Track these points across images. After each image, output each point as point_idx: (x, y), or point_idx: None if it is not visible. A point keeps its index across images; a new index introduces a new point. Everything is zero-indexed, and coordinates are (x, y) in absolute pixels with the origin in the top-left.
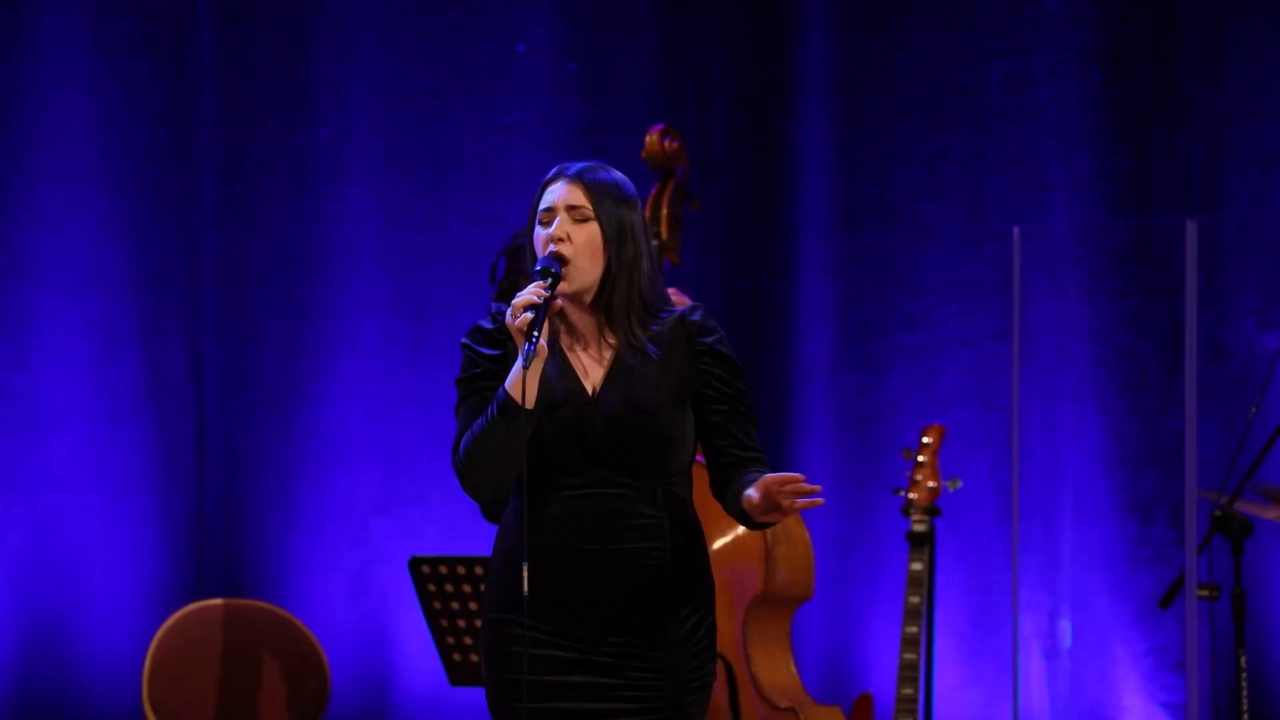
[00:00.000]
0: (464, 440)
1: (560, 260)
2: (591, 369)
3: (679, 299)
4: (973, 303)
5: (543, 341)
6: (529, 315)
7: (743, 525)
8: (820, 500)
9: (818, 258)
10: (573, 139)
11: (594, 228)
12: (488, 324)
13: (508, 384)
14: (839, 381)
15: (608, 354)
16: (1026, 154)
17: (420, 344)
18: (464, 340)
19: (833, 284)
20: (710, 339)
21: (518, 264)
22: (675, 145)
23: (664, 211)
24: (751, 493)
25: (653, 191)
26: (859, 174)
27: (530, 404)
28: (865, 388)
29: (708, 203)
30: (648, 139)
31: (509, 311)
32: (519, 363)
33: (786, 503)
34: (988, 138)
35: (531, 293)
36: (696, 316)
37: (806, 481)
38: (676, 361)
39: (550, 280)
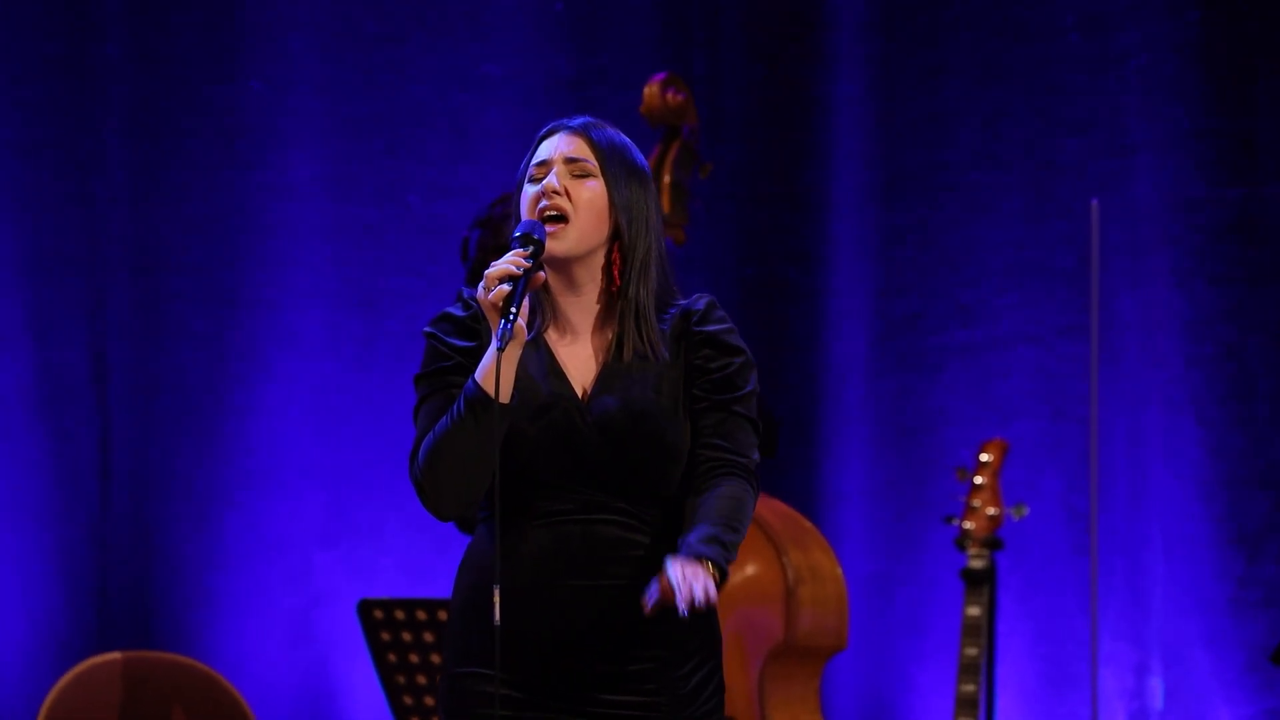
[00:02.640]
0: (424, 444)
1: (556, 219)
2: (584, 367)
3: None
4: (1039, 291)
5: (521, 321)
6: (505, 288)
7: None
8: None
9: (851, 238)
10: (558, 94)
11: (598, 187)
12: (458, 310)
13: (478, 374)
14: (877, 386)
15: (603, 349)
16: (1105, 111)
17: (373, 341)
18: (428, 329)
19: (869, 269)
20: (708, 327)
21: (496, 239)
22: (680, 98)
23: (666, 179)
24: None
25: (653, 155)
26: (901, 136)
27: (505, 396)
28: (909, 394)
29: (718, 170)
30: (647, 91)
31: (481, 285)
32: (493, 345)
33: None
34: (1058, 92)
35: (509, 262)
36: (700, 305)
37: (678, 593)
38: (676, 358)
39: (532, 248)
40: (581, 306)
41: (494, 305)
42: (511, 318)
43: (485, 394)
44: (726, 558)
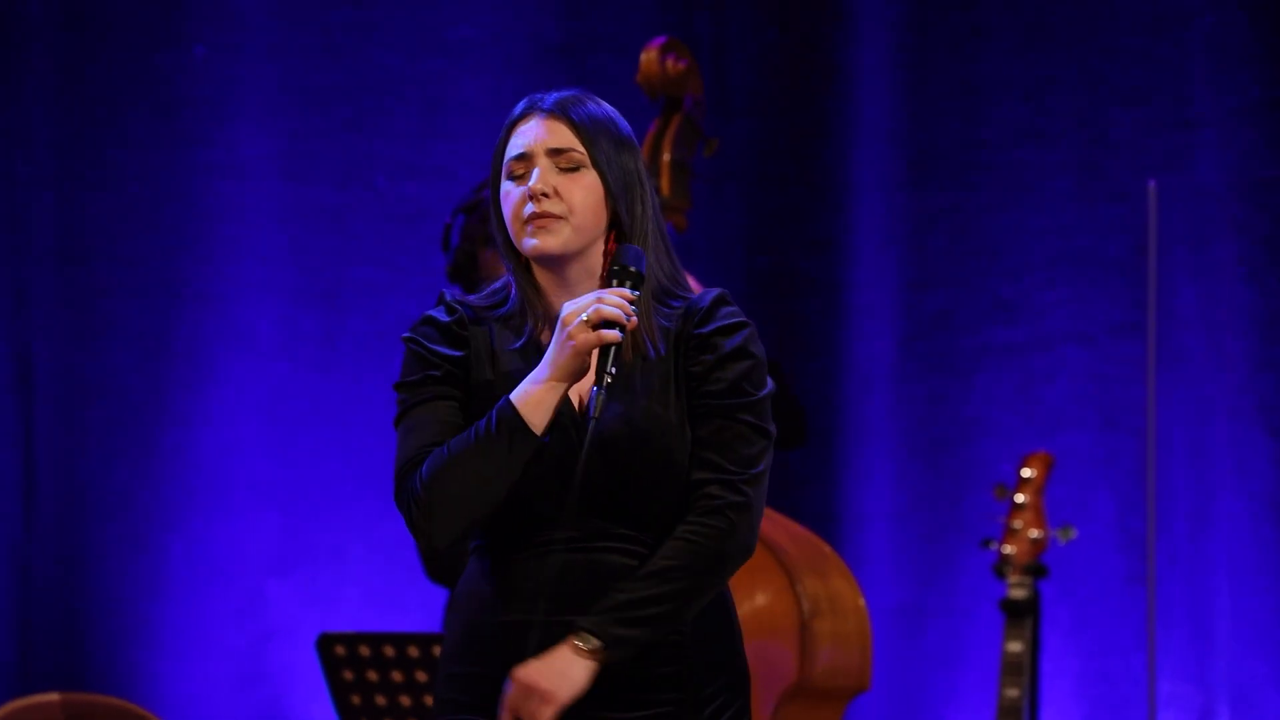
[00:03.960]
0: (432, 459)
1: (550, 224)
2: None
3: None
4: (1089, 285)
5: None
6: (610, 334)
7: None
8: None
9: (876, 224)
10: (543, 61)
11: (591, 178)
12: (442, 315)
13: (518, 398)
14: (905, 392)
15: (596, 352)
16: (1165, 80)
17: (334, 340)
18: (409, 335)
19: (896, 259)
20: (707, 327)
21: (484, 228)
22: (682, 66)
23: (665, 157)
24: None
25: (650, 130)
26: (933, 109)
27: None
28: (941, 400)
29: (725, 148)
30: (644, 57)
31: (576, 305)
32: (540, 372)
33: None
34: (1112, 58)
35: (621, 305)
36: (704, 302)
37: None
38: (677, 364)
39: (639, 290)
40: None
41: (584, 346)
42: (612, 374)
43: (525, 422)
44: (615, 637)
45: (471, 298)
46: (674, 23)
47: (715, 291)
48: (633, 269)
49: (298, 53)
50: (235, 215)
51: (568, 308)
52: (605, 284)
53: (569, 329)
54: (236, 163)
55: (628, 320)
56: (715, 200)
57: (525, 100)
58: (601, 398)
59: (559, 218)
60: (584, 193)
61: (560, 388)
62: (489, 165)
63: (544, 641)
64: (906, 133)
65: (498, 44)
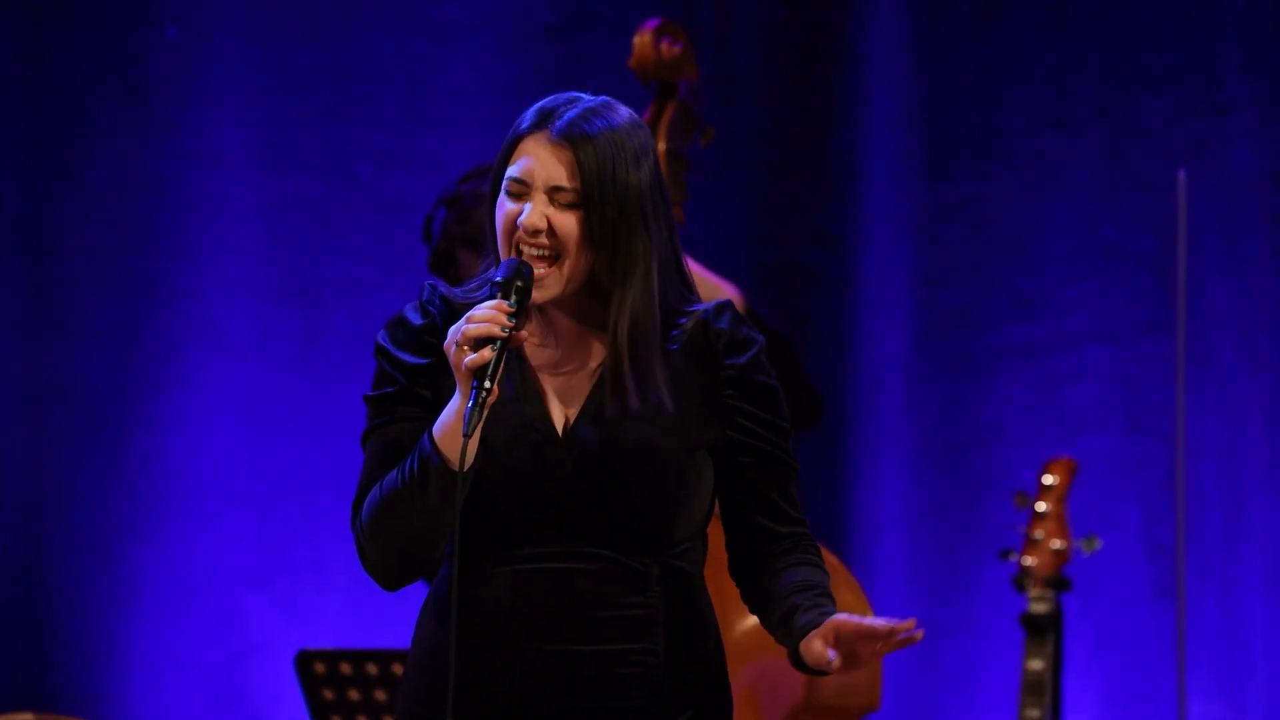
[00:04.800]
0: (369, 500)
1: (541, 259)
2: (568, 389)
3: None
4: (1115, 280)
5: (496, 385)
6: (483, 355)
7: (793, 666)
8: (920, 633)
9: (888, 216)
10: (536, 43)
11: (580, 218)
12: (414, 316)
13: (437, 431)
14: (919, 394)
15: (594, 369)
16: (1197, 61)
17: (315, 340)
18: (378, 339)
19: (910, 254)
20: (743, 359)
21: (464, 219)
22: (677, 50)
23: (660, 146)
24: (819, 646)
25: (644, 117)
26: (950, 94)
27: (468, 463)
28: (958, 403)
29: (728, 136)
30: (637, 40)
31: (453, 334)
32: (454, 403)
33: (868, 652)
34: (1139, 40)
35: (490, 319)
36: (724, 324)
37: (900, 622)
38: (692, 385)
39: (516, 299)
40: (574, 324)
41: (466, 370)
42: (486, 392)
43: (443, 460)
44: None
45: (457, 291)
46: (673, 1)
47: (729, 309)
48: (499, 280)
49: (277, 34)
50: (209, 207)
51: (449, 336)
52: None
53: (451, 359)
54: (211, 151)
55: (502, 331)
56: (718, 191)
57: (537, 110)
58: (477, 413)
59: (550, 264)
60: (574, 229)
61: (470, 434)
62: (479, 154)
63: (501, 669)
64: (921, 119)
65: (487, 26)
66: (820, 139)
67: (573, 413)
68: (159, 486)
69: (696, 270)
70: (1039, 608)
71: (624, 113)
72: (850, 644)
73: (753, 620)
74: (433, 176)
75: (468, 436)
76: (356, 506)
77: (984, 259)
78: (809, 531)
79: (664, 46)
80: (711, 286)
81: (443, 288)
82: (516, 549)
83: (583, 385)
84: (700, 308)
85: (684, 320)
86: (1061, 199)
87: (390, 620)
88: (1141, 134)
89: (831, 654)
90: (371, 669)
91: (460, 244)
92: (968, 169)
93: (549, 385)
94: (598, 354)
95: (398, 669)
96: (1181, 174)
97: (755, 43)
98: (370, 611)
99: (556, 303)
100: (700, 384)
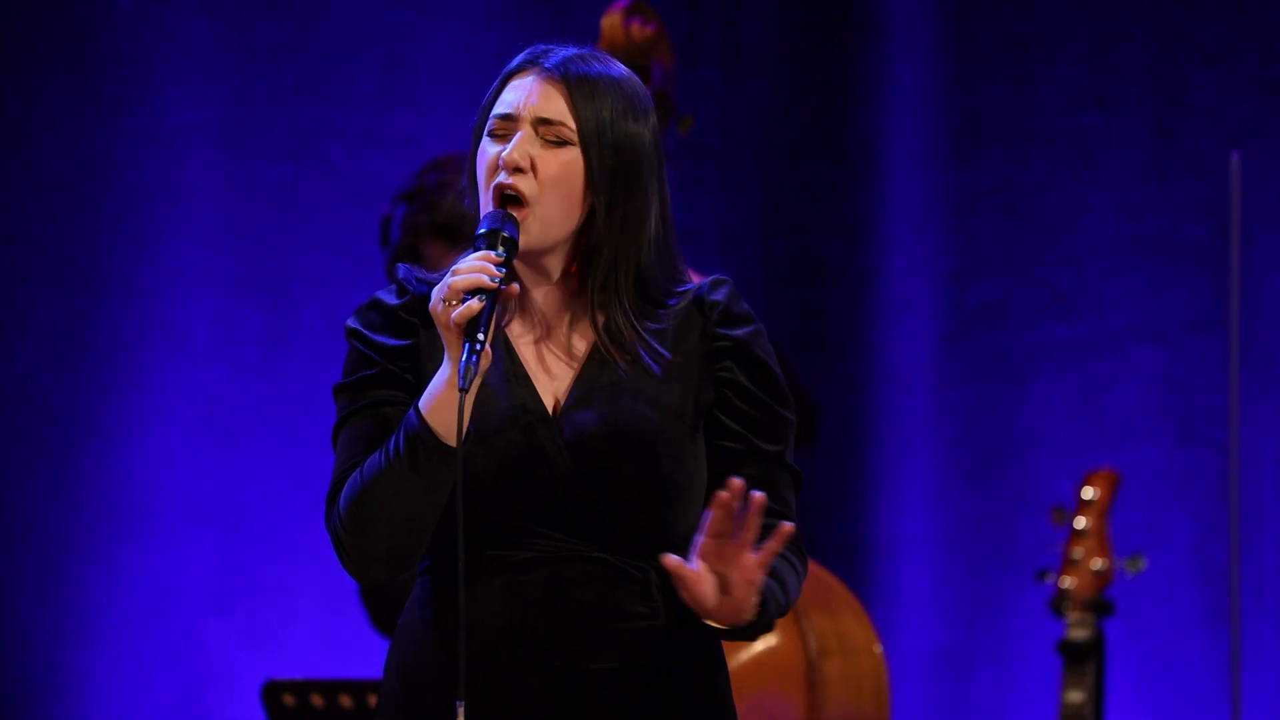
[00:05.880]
0: (347, 486)
1: (512, 201)
2: (555, 372)
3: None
4: (1163, 274)
5: (488, 347)
6: (473, 305)
7: (721, 638)
8: (759, 495)
9: (912, 204)
10: (524, 12)
11: (573, 159)
12: (390, 297)
13: (424, 404)
14: (946, 399)
15: (581, 349)
16: (1251, 30)
17: (281, 340)
18: (350, 322)
19: (936, 245)
20: (738, 331)
21: (430, 208)
22: (650, 31)
23: None
24: (686, 572)
25: None
26: (980, 68)
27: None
28: (989, 408)
29: (737, 113)
30: (606, 21)
31: (439, 292)
32: (443, 372)
33: (730, 553)
34: (1189, 8)
35: (479, 269)
36: (719, 296)
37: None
38: (687, 365)
39: (507, 250)
40: (557, 298)
41: (456, 326)
42: (479, 346)
43: (433, 434)
44: (777, 603)
45: (432, 275)
46: None
47: (725, 284)
48: (484, 231)
49: (239, 2)
50: (166, 192)
51: (433, 296)
52: (472, 250)
53: (438, 317)
54: (168, 131)
55: (491, 281)
56: (724, 177)
57: (528, 51)
58: (472, 367)
59: (524, 206)
60: (558, 172)
61: (465, 394)
62: (461, 135)
63: (494, 690)
64: (949, 97)
65: None
66: (836, 119)
67: (562, 393)
68: (110, 501)
69: None
70: (1078, 634)
71: (623, 68)
72: (712, 561)
73: (752, 650)
74: (411, 159)
75: (464, 391)
76: (331, 498)
77: (1018, 250)
78: (800, 538)
79: (635, 27)
80: None
81: (419, 271)
82: (507, 551)
83: (569, 364)
84: (692, 285)
85: (674, 301)
86: (1103, 184)
87: (364, 648)
88: (1191, 112)
89: (693, 564)
90: (345, 701)
91: (427, 236)
92: (1000, 151)
93: (534, 365)
94: (582, 331)
95: (373, 700)
96: (1235, 156)
97: (766, 12)
98: (342, 638)
99: (539, 271)
100: (694, 361)
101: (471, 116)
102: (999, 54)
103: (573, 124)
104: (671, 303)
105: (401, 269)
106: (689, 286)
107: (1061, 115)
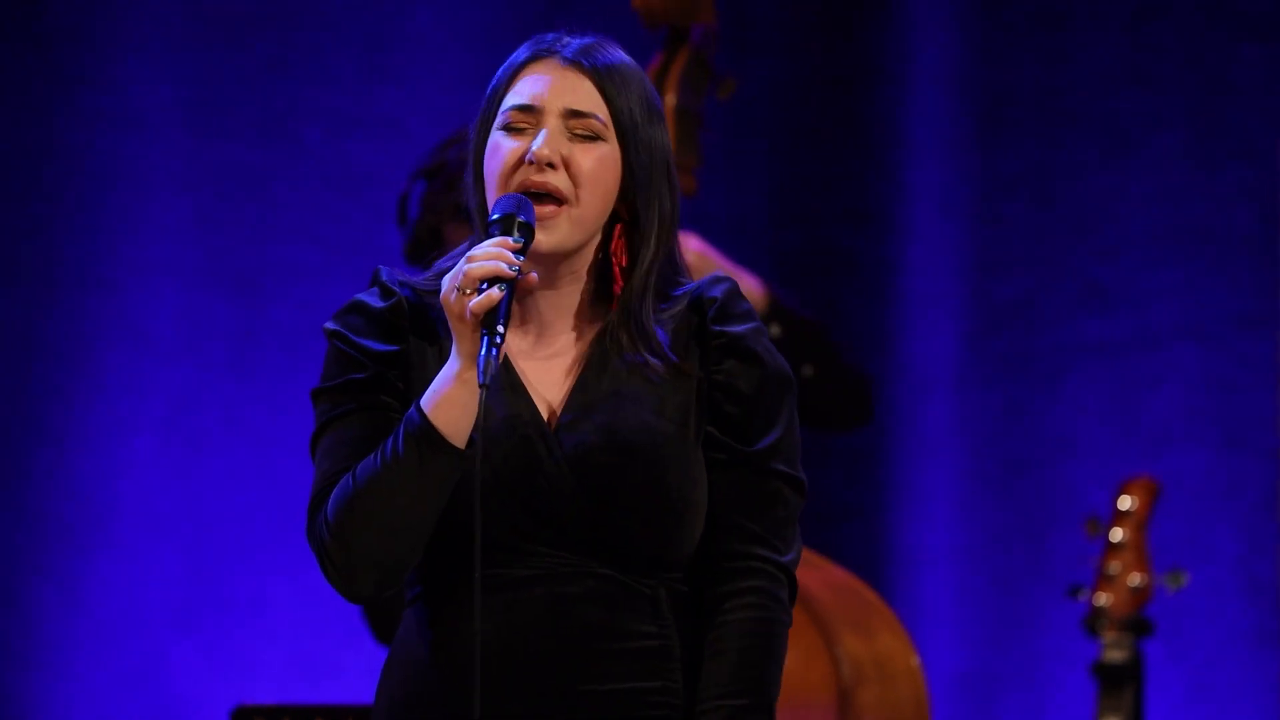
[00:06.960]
0: (337, 492)
1: (545, 199)
2: (553, 382)
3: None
4: (1207, 267)
5: (507, 332)
6: (492, 294)
7: None
8: None
9: (935, 191)
10: None
11: (609, 154)
12: (374, 299)
13: (428, 402)
14: (972, 400)
15: (579, 353)
16: None
17: (252, 338)
18: (331, 325)
19: (960, 236)
20: (736, 327)
21: (453, 186)
22: None
23: (670, 101)
24: None
25: (650, 68)
26: (1008, 45)
27: (464, 438)
28: (1018, 412)
29: (746, 93)
30: None
31: (451, 280)
32: (450, 368)
33: None
34: None
35: (497, 255)
36: (717, 292)
37: None
38: (686, 369)
39: (521, 235)
40: (557, 303)
41: (473, 317)
42: (500, 338)
43: (438, 433)
44: None
45: (418, 277)
46: None
47: (725, 281)
48: (498, 217)
49: None
50: (127, 178)
51: (445, 285)
52: (486, 238)
53: (451, 307)
54: (129, 111)
55: (510, 269)
56: (734, 159)
57: (532, 42)
58: (493, 361)
59: (558, 206)
60: (597, 167)
61: (476, 379)
62: (445, 115)
63: (495, 716)
64: (974, 76)
65: None
66: (853, 98)
67: (558, 403)
68: (65, 512)
69: (713, 256)
70: (1115, 655)
71: (631, 59)
72: None
73: None
74: (391, 142)
75: (484, 387)
76: (315, 507)
77: (1049, 241)
78: (786, 572)
79: None
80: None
81: (400, 273)
82: (506, 569)
83: (566, 373)
84: (691, 286)
85: (667, 306)
86: (1141, 169)
87: (339, 670)
88: (1236, 91)
89: None
90: None
91: (451, 218)
92: (1029, 134)
93: (532, 378)
94: (579, 336)
95: None
96: None
97: None
98: (316, 659)
99: (549, 272)
100: (692, 362)
101: (458, 94)
102: (1028, 28)
103: (606, 116)
104: (664, 307)
105: (384, 271)
106: (688, 287)
107: (1096, 95)
